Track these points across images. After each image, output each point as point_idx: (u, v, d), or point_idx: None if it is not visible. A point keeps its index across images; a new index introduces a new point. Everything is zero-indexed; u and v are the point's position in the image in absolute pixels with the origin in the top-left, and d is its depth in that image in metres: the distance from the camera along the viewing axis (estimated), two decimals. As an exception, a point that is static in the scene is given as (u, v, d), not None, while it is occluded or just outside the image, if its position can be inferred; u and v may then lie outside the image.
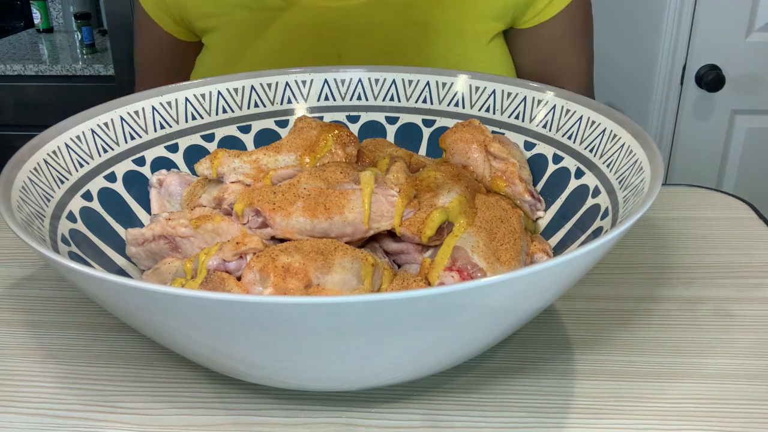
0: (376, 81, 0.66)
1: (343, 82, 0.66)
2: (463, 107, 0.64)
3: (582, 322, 0.54)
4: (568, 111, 0.58)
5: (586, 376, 0.48)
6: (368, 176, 0.49)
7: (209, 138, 0.63)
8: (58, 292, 0.58)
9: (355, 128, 0.66)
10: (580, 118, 0.57)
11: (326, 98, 0.66)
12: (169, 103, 0.62)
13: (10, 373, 0.49)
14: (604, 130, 0.54)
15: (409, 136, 0.65)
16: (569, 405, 0.46)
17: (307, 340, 0.36)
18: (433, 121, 0.65)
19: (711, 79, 1.67)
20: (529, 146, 0.60)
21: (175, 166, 0.61)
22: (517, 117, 0.61)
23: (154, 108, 0.61)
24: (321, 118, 0.66)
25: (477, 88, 0.64)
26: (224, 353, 0.40)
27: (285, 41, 0.80)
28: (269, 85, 0.66)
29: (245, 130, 0.64)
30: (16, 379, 0.49)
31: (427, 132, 0.65)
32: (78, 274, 0.37)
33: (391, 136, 0.66)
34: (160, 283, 0.48)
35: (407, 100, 0.66)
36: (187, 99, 0.63)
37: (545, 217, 0.56)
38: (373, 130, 0.66)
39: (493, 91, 0.63)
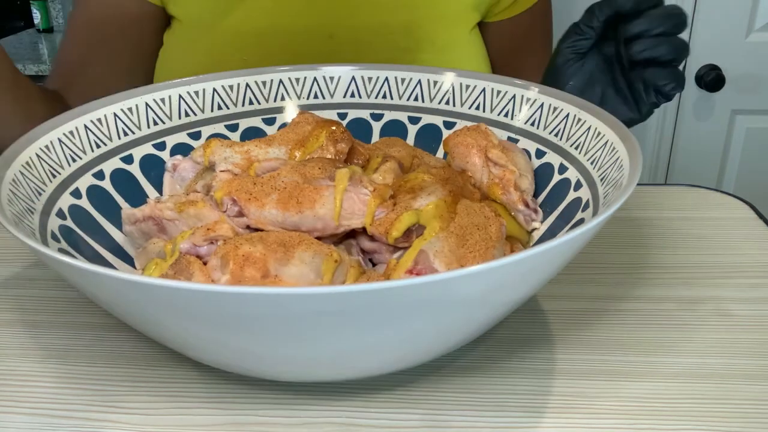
0: (369, 79, 0.67)
1: (332, 79, 0.67)
2: (453, 105, 0.65)
3: (582, 322, 0.54)
4: (555, 108, 0.59)
5: (587, 376, 0.48)
6: (343, 173, 0.50)
7: (196, 136, 0.64)
8: (58, 292, 0.58)
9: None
10: (567, 115, 0.57)
11: (315, 96, 0.67)
12: (162, 100, 0.62)
13: (10, 373, 0.49)
14: (589, 128, 0.54)
15: (395, 133, 0.66)
16: (569, 405, 0.46)
17: (250, 329, 0.37)
18: (420, 119, 0.66)
19: (711, 79, 1.67)
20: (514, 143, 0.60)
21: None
22: (506, 115, 0.62)
23: (147, 105, 0.61)
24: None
25: (467, 87, 0.64)
26: (181, 340, 0.41)
27: (272, 12, 0.77)
28: (263, 83, 0.66)
29: (233, 128, 0.65)
30: (16, 379, 0.49)
31: (413, 129, 0.66)
32: (55, 261, 0.38)
33: (376, 133, 0.66)
34: (147, 261, 0.51)
35: (399, 98, 0.66)
36: (180, 96, 0.63)
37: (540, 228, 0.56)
38: (358, 126, 0.67)
39: (483, 89, 0.63)
